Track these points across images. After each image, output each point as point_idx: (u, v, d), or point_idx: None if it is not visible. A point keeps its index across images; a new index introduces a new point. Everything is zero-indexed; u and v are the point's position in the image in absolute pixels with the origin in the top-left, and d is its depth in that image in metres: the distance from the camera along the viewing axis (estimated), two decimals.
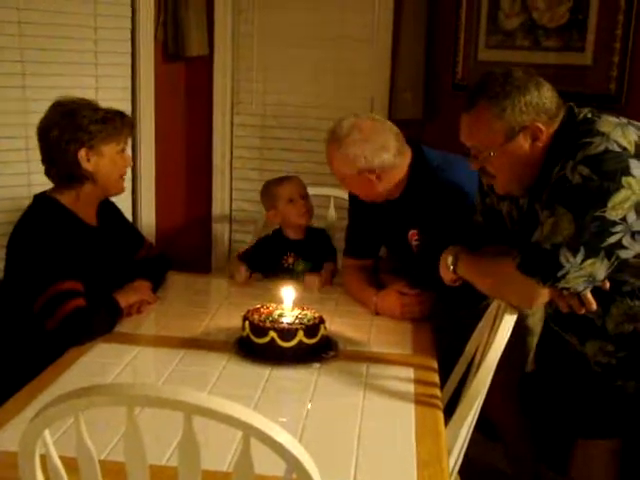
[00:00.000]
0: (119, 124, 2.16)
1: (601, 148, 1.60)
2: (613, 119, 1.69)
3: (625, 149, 1.60)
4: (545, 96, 1.72)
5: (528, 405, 2.46)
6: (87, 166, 2.10)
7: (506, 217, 1.95)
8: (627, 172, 1.57)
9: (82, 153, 2.08)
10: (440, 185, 2.20)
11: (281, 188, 2.61)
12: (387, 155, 2.18)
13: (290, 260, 2.60)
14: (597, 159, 1.60)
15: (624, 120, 1.69)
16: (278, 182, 2.64)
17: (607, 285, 1.68)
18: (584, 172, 1.60)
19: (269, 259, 2.62)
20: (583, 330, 1.85)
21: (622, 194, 1.56)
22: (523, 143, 1.73)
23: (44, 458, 1.09)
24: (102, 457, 1.30)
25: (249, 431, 0.99)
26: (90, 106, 2.14)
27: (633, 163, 1.58)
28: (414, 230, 2.29)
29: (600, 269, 1.62)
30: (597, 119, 1.69)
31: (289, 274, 2.58)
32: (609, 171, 1.57)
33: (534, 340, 2.36)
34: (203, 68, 3.32)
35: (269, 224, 2.78)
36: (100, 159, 2.12)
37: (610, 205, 1.56)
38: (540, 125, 1.71)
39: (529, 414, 2.46)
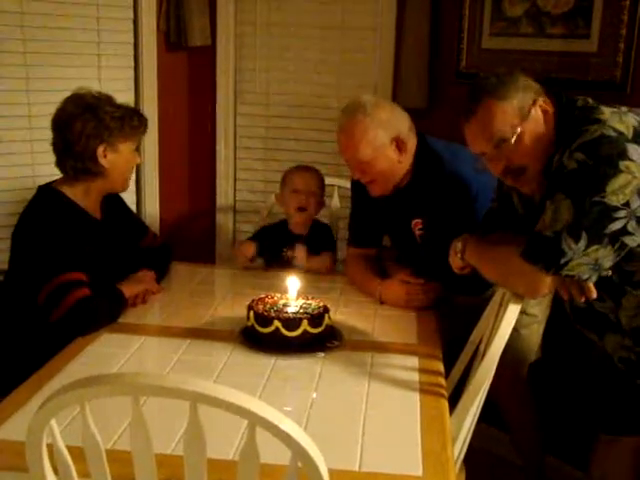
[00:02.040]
0: (137, 123, 2.18)
1: (597, 134, 1.60)
2: (611, 108, 1.68)
3: (622, 134, 1.59)
4: (532, 81, 1.77)
5: (540, 394, 2.45)
6: (103, 162, 2.11)
7: (515, 207, 1.95)
8: (624, 156, 1.56)
9: (100, 149, 2.09)
10: (445, 175, 2.19)
11: (292, 175, 2.62)
12: (407, 129, 2.21)
13: (290, 253, 2.60)
14: (592, 144, 1.59)
15: (624, 109, 1.68)
16: (295, 169, 2.65)
17: (609, 272, 1.67)
18: (579, 158, 1.60)
19: (270, 249, 2.62)
20: (600, 326, 1.84)
21: (621, 179, 1.55)
22: (538, 117, 1.73)
23: (51, 447, 1.10)
24: (108, 446, 1.30)
25: (254, 420, 1.00)
26: (110, 102, 2.15)
27: (631, 147, 1.57)
28: (418, 219, 2.29)
29: (605, 256, 1.61)
30: (595, 107, 1.69)
31: (288, 267, 2.58)
32: (605, 155, 1.57)
33: (541, 328, 2.36)
34: (206, 58, 3.30)
35: (275, 206, 2.78)
36: (116, 156, 2.13)
37: (609, 190, 1.55)
38: (545, 99, 1.74)
39: (541, 403, 2.46)
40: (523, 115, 1.73)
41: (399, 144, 2.19)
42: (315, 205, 2.61)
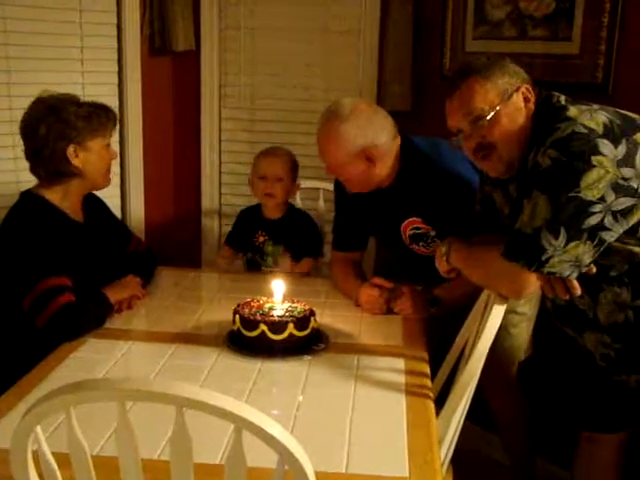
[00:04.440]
0: (104, 119, 2.16)
1: (568, 131, 1.63)
2: (583, 106, 1.72)
3: (592, 130, 1.62)
4: (521, 69, 1.82)
5: (528, 393, 2.46)
6: (76, 162, 2.10)
7: (499, 208, 1.96)
8: (596, 151, 1.58)
9: (70, 150, 2.08)
10: (439, 173, 2.19)
11: (258, 161, 2.61)
12: (385, 137, 2.18)
13: (260, 239, 2.60)
14: (564, 141, 1.62)
15: (596, 106, 1.72)
16: (263, 154, 2.63)
17: (594, 270, 1.69)
18: (552, 154, 1.62)
19: (243, 235, 2.62)
20: (578, 323, 1.86)
21: (594, 173, 1.57)
22: (518, 103, 1.78)
23: (36, 454, 1.09)
24: (94, 452, 1.30)
25: (241, 424, 1.00)
26: (73, 101, 2.13)
27: (601, 142, 1.60)
28: (412, 219, 2.28)
29: (585, 252, 1.62)
30: (567, 106, 1.72)
31: (258, 253, 2.59)
32: (577, 152, 1.59)
33: (530, 326, 2.38)
34: (190, 62, 3.30)
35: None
36: (88, 155, 2.11)
37: (583, 185, 1.57)
38: (528, 87, 1.79)
39: (530, 402, 2.47)
40: (504, 97, 1.77)
41: (369, 155, 2.17)
42: (283, 190, 2.57)
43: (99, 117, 2.14)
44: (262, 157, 2.61)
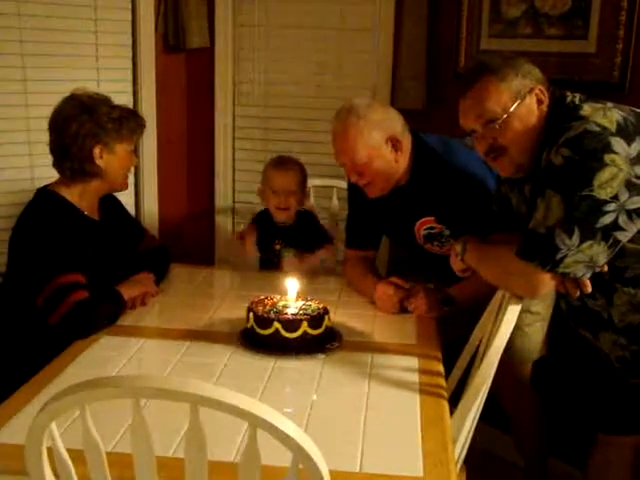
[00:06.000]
0: (133, 125, 2.19)
1: (580, 130, 1.62)
2: (598, 104, 1.70)
3: (605, 128, 1.60)
4: (536, 69, 1.80)
5: (542, 393, 2.45)
6: (99, 162, 2.12)
7: (515, 209, 1.95)
8: (609, 149, 1.57)
9: (97, 149, 2.10)
10: (451, 171, 2.19)
11: (271, 174, 2.60)
12: (401, 128, 2.21)
13: (278, 247, 2.61)
14: (576, 139, 1.61)
15: (610, 104, 1.70)
16: (274, 166, 2.61)
17: (605, 268, 1.67)
18: (565, 153, 1.62)
19: (259, 242, 2.63)
20: (593, 324, 1.84)
21: (607, 172, 1.56)
22: (531, 105, 1.76)
23: (51, 451, 1.10)
24: (109, 449, 1.30)
25: (255, 422, 0.99)
26: (107, 103, 2.16)
27: (615, 140, 1.58)
28: (426, 218, 2.28)
29: (599, 253, 1.61)
30: (581, 105, 1.71)
31: (276, 257, 2.59)
32: (589, 150, 1.58)
33: (544, 326, 2.37)
34: (204, 60, 3.30)
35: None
36: (112, 157, 2.14)
37: (596, 183, 1.56)
38: (542, 89, 1.77)
39: (545, 402, 2.46)
40: (517, 99, 1.75)
41: (394, 143, 2.19)
42: (296, 202, 2.59)
43: (129, 122, 2.16)
44: (274, 170, 2.60)
